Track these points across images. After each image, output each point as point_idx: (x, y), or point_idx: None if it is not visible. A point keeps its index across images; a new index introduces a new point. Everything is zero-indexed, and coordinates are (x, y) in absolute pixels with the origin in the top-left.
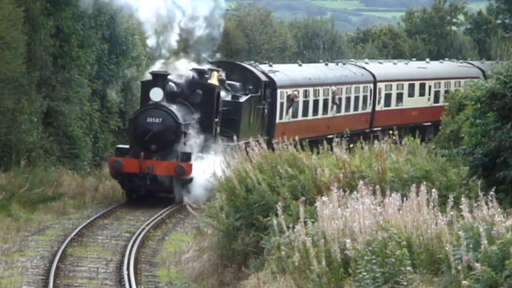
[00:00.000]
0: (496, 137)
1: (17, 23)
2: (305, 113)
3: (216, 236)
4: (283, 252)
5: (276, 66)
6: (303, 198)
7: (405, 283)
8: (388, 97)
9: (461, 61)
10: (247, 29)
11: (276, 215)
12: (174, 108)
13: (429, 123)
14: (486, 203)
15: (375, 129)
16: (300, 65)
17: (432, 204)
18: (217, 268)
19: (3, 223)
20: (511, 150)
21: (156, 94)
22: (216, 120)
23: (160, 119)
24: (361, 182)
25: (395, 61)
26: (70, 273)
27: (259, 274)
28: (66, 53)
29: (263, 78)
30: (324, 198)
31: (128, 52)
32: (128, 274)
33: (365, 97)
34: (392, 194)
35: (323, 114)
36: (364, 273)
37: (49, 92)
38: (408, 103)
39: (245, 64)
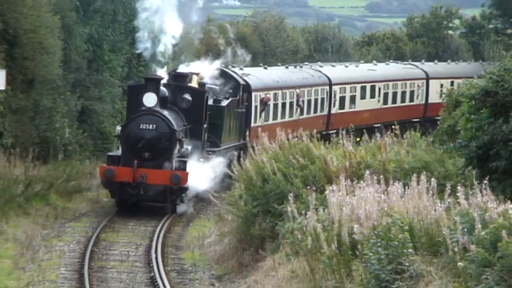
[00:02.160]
0: (489, 131)
1: (55, 30)
2: (275, 116)
3: (236, 222)
4: (299, 236)
5: (246, 69)
6: (313, 187)
7: (407, 264)
8: (342, 99)
9: (405, 63)
10: (263, 34)
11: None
12: (166, 113)
13: (379, 125)
14: (480, 191)
15: (330, 131)
16: (265, 68)
17: (431, 192)
18: (237, 251)
19: (43, 211)
20: (502, 143)
21: (150, 100)
22: (205, 126)
23: (154, 126)
24: (367, 172)
25: (347, 63)
26: (103, 256)
27: (275, 256)
28: (98, 57)
29: (242, 81)
30: (333, 187)
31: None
32: (156, 257)
33: (322, 100)
34: (395, 183)
35: (289, 117)
36: (370, 255)
37: (84, 92)
38: (361, 105)
39: (224, 67)
